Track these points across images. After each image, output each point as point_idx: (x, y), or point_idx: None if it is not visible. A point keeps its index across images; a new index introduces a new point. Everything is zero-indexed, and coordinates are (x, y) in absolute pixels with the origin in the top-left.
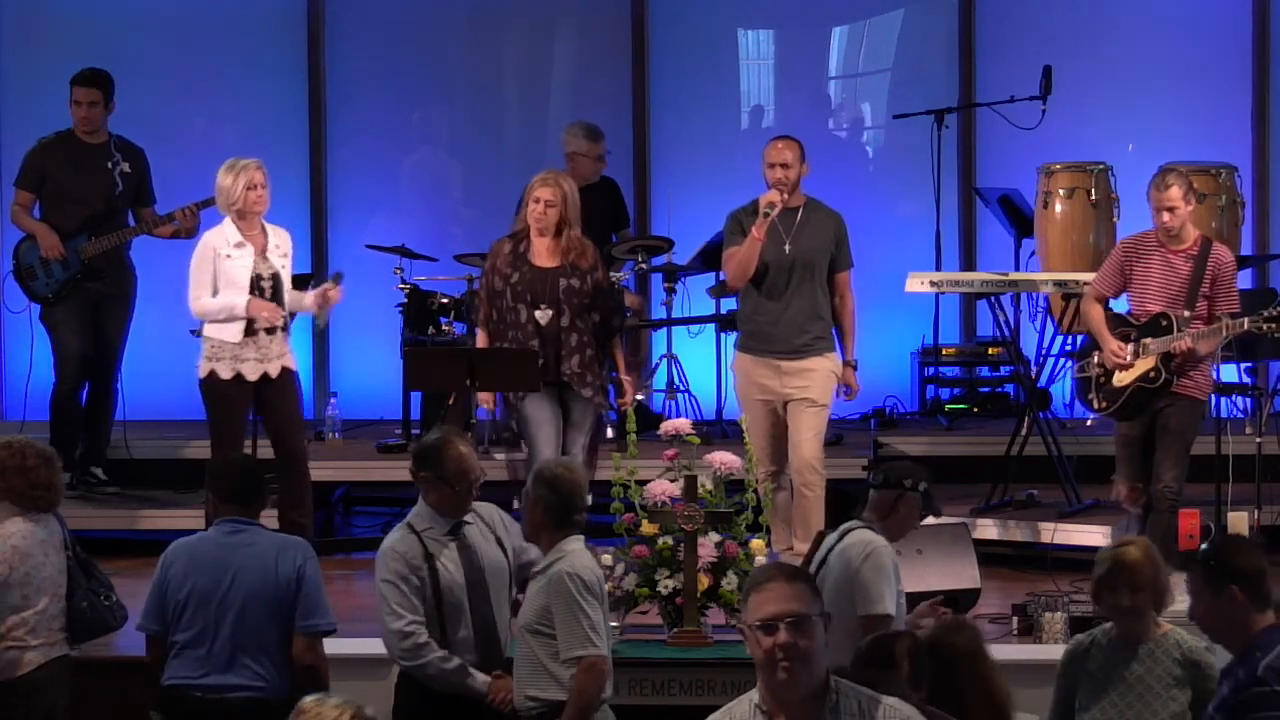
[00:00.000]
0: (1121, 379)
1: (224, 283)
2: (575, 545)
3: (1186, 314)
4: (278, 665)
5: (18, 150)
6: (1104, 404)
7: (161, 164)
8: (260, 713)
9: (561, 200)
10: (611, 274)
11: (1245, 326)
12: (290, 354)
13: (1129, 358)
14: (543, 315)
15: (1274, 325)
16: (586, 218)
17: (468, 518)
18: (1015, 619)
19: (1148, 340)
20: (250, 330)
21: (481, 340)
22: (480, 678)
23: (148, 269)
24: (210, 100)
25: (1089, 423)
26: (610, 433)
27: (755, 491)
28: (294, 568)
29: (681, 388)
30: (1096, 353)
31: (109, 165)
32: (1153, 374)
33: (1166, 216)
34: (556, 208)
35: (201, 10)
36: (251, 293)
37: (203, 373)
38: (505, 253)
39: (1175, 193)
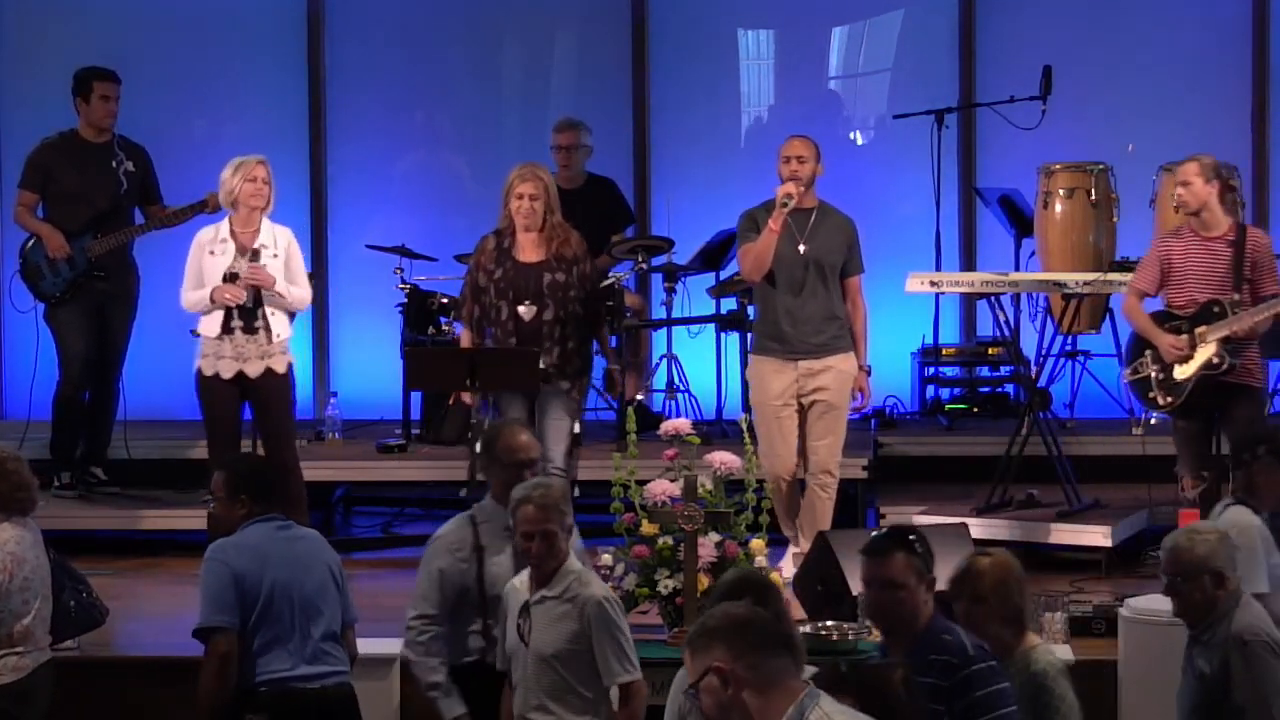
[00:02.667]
0: (1184, 371)
1: (207, 280)
2: (579, 565)
3: (1236, 297)
4: (343, 651)
5: (18, 150)
6: (1169, 399)
7: (162, 164)
8: (350, 698)
9: (544, 192)
10: (611, 274)
11: None
12: (278, 355)
13: (1187, 349)
14: (526, 311)
15: None
16: (579, 217)
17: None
18: None
19: (1202, 329)
20: (227, 329)
21: (465, 338)
22: (456, 709)
23: (149, 268)
24: (210, 100)
25: (1152, 421)
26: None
27: (756, 491)
28: (337, 563)
29: (681, 388)
30: (1148, 351)
31: (113, 164)
32: (1216, 359)
33: (1180, 190)
34: (540, 200)
35: (201, 10)
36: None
37: (195, 369)
38: (490, 249)
39: (1192, 167)
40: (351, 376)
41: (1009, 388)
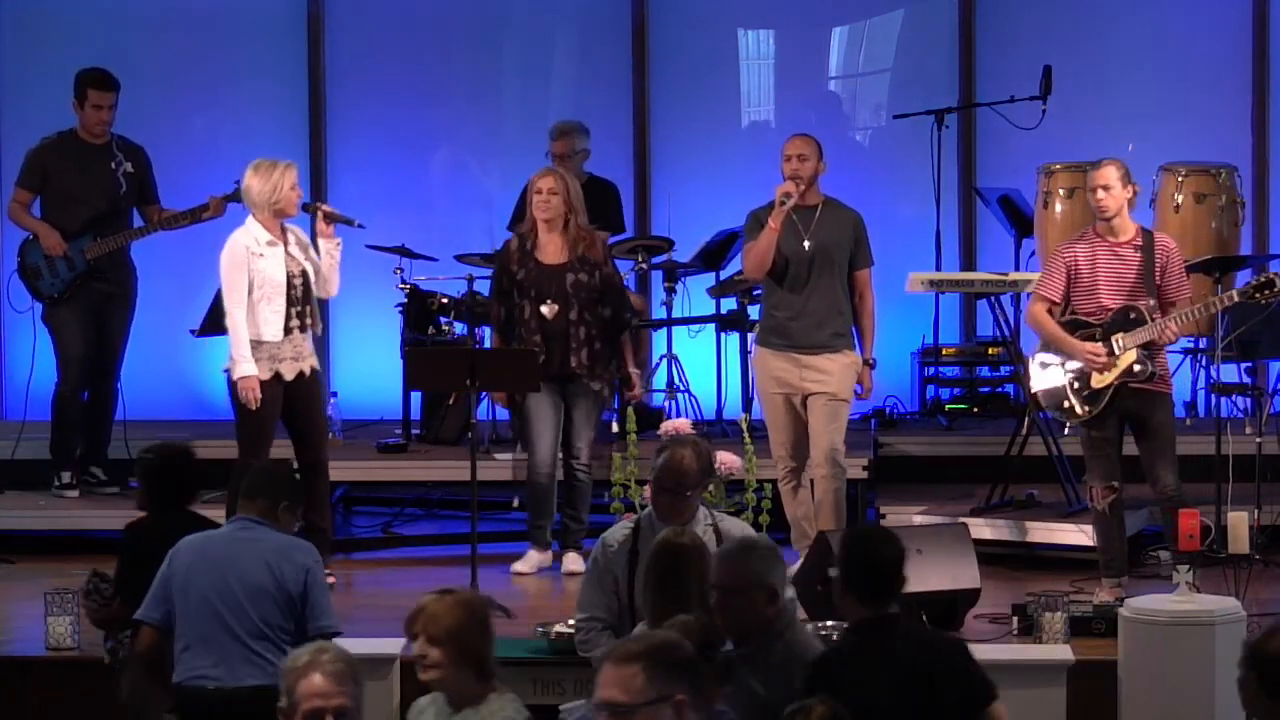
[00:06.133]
0: (1102, 380)
1: (260, 281)
2: None
3: (1152, 303)
4: (279, 656)
5: (18, 150)
6: (1087, 409)
7: (161, 164)
8: (273, 699)
9: (564, 189)
10: None
11: (1235, 299)
12: (314, 354)
13: (1106, 356)
14: (549, 310)
15: (1266, 293)
16: None
17: (697, 529)
18: (1015, 619)
19: (1120, 336)
20: (287, 329)
21: (496, 342)
22: None
23: (148, 269)
24: (210, 100)
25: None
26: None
27: (756, 491)
28: (301, 569)
29: (681, 388)
30: (1061, 359)
31: (112, 165)
32: (1138, 367)
33: (1101, 195)
34: (559, 195)
35: (201, 10)
36: (287, 291)
37: (244, 375)
38: (513, 250)
39: (1112, 171)
40: (351, 376)
41: (1009, 388)
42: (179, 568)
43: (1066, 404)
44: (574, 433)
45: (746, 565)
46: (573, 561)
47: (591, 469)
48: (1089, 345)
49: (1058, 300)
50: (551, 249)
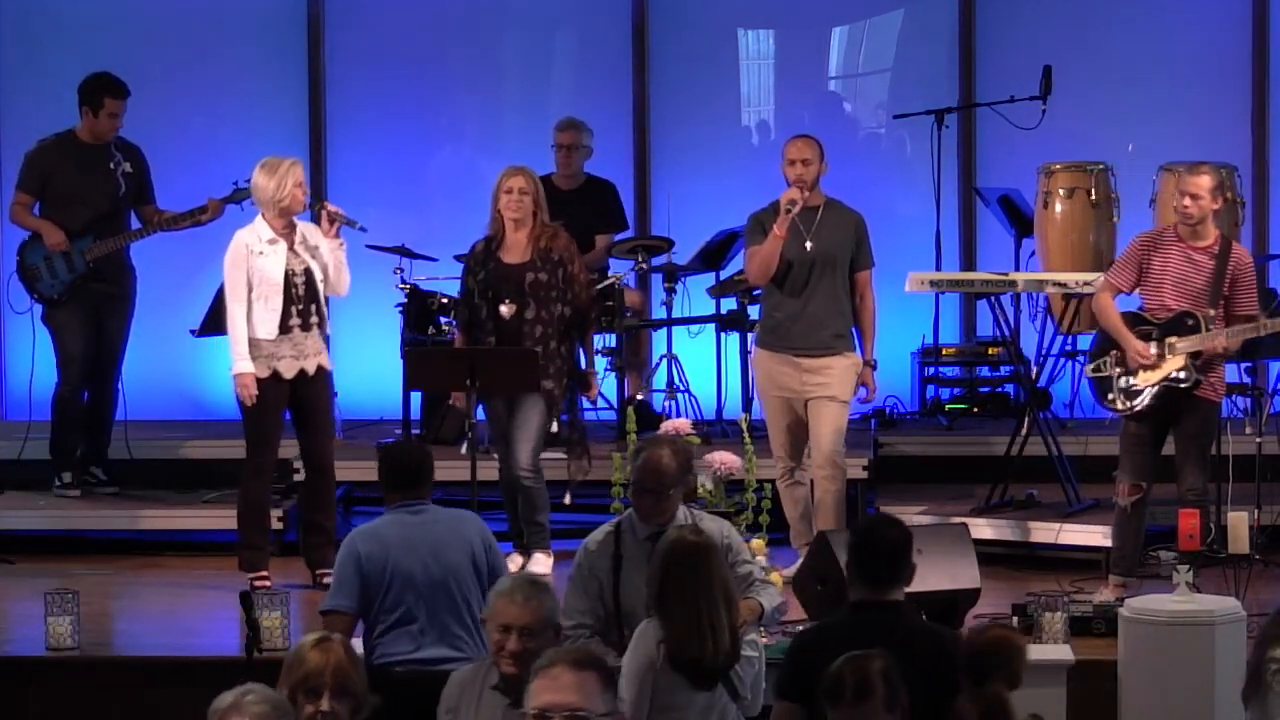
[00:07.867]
0: (1146, 378)
1: (258, 280)
2: None
3: (1211, 313)
4: (476, 631)
5: (18, 150)
6: (1128, 404)
7: (161, 165)
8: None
9: (533, 189)
10: (611, 274)
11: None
12: (325, 352)
13: (1153, 356)
14: (506, 310)
15: None
16: (575, 217)
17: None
18: (1015, 619)
19: (1173, 339)
20: (285, 328)
21: (459, 344)
22: None
23: (147, 270)
24: (210, 100)
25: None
26: (556, 427)
27: (756, 491)
28: (482, 536)
29: (681, 388)
30: (1114, 351)
31: (111, 166)
32: (1182, 374)
33: (1188, 202)
34: (529, 195)
35: (201, 10)
36: (286, 290)
37: (242, 373)
38: (479, 252)
39: (1206, 180)
40: (351, 376)
41: (1009, 388)
42: (372, 556)
43: (1110, 395)
44: (512, 436)
45: (544, 605)
46: (538, 563)
47: (539, 473)
48: (1140, 343)
49: (1125, 290)
50: (515, 248)
